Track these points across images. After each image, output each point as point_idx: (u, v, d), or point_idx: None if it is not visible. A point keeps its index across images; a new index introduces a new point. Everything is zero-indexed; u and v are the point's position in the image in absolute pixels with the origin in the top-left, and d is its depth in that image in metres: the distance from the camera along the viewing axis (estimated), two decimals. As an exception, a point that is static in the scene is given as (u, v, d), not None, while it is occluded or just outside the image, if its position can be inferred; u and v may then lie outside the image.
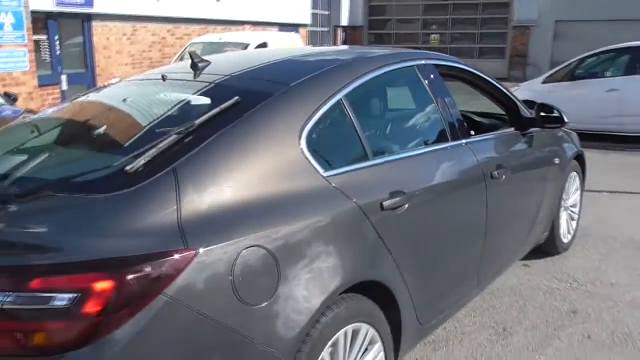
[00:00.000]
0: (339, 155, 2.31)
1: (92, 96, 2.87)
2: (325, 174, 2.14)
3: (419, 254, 2.51)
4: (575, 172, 4.40)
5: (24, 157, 2.22)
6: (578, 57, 10.20)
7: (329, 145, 2.28)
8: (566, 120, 3.68)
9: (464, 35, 24.11)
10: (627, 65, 9.74)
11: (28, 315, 1.50)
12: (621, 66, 9.87)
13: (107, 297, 1.50)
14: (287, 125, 2.11)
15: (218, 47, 12.27)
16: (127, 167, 1.78)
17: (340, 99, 2.34)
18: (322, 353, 1.97)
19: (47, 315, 1.49)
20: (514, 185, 3.34)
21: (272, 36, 13.24)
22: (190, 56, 2.57)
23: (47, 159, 2.18)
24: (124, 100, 2.56)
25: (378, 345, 2.28)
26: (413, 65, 2.88)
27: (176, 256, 1.60)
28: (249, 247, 1.76)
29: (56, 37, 12.18)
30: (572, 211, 4.49)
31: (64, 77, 11.89)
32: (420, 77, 2.89)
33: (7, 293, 1.50)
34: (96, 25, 12.77)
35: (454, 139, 2.92)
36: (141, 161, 1.80)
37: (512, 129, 3.59)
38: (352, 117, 2.37)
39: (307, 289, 1.89)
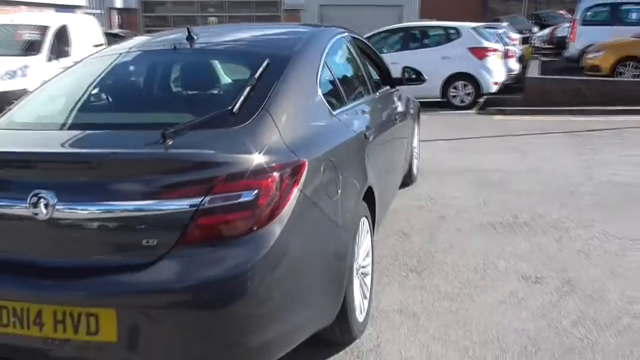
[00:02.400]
0: (333, 100, 3.18)
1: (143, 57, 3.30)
2: (334, 113, 3.02)
3: (379, 167, 3.54)
4: (417, 121, 5.81)
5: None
6: (365, 36, 11.97)
7: (327, 93, 3.14)
8: (425, 78, 4.96)
9: (240, 18, 25.21)
10: (402, 42, 11.83)
11: (224, 210, 2.14)
12: (397, 43, 11.92)
13: (274, 192, 2.22)
14: (310, 78, 2.93)
15: (12, 30, 11.60)
16: (233, 109, 2.45)
17: (325, 60, 3.20)
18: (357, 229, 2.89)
19: (240, 208, 2.15)
20: (400, 124, 4.55)
21: (71, 19, 12.81)
22: (188, 30, 3.13)
23: (166, 102, 2.71)
24: (171, 63, 3.09)
25: (368, 233, 3.25)
26: (345, 36, 3.85)
27: (299, 164, 2.36)
28: (324, 160, 2.58)
29: None
30: (415, 152, 5.88)
31: None
32: (351, 45, 3.88)
33: (204, 197, 2.12)
34: None
35: (374, 91, 3.98)
36: (237, 104, 2.47)
37: (388, 87, 4.75)
38: (332, 74, 3.26)
39: (350, 190, 2.79)
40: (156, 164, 2.19)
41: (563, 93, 10.50)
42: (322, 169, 2.54)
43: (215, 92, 2.89)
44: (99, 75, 3.12)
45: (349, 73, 3.88)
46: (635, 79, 12.00)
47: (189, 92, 2.94)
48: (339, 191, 2.67)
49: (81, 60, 3.32)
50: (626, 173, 6.16)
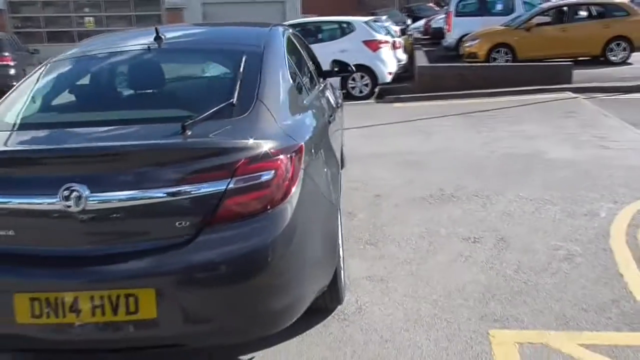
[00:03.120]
0: (301, 90, 3.47)
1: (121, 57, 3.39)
2: (305, 101, 3.31)
3: (336, 149, 3.88)
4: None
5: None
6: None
7: (296, 84, 3.42)
8: (354, 69, 5.35)
9: (119, 17, 24.39)
10: (314, 36, 12.29)
11: (248, 190, 2.38)
12: (311, 36, 12.32)
13: (286, 172, 2.49)
14: (282, 71, 3.20)
15: None
16: (232, 101, 2.68)
17: (286, 55, 3.48)
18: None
19: (261, 187, 2.40)
20: (339, 110, 4.92)
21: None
22: (156, 30, 3.29)
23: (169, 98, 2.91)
24: (158, 61, 3.21)
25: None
26: (291, 32, 4.14)
27: (299, 146, 2.64)
28: (312, 143, 2.87)
29: None
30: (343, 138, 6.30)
31: None
32: (296, 40, 4.18)
33: (229, 180, 2.35)
34: None
35: (319, 82, 4.32)
36: (234, 96, 2.71)
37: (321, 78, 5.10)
38: (294, 67, 3.55)
39: (333, 170, 3.11)
40: (184, 152, 2.38)
41: (451, 79, 11.41)
42: (312, 151, 2.84)
43: (206, 86, 3.09)
44: (89, 75, 3.20)
45: (302, 66, 4.17)
46: (509, 64, 13.25)
47: (181, 88, 3.10)
48: (326, 170, 2.98)
49: (60, 61, 3.34)
50: (520, 145, 6.98)
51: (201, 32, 3.87)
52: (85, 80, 3.19)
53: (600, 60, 13.80)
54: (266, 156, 2.45)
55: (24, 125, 2.79)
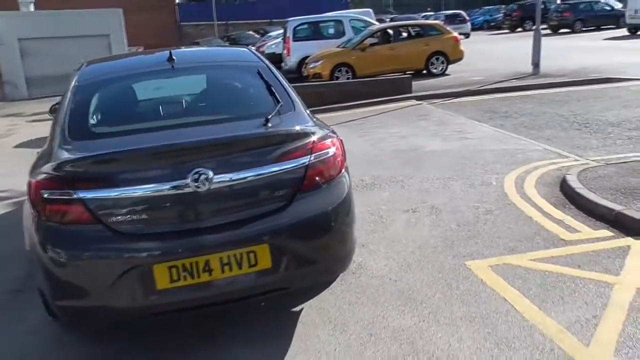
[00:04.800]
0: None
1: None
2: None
3: None
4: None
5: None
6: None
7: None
8: None
9: None
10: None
11: (322, 163, 3.11)
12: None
13: (340, 149, 3.27)
14: (282, 80, 3.88)
15: None
16: (280, 102, 3.39)
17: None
18: None
19: (329, 161, 3.14)
20: None
21: None
22: (170, 53, 3.84)
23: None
24: (195, 75, 3.76)
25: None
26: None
27: (337, 136, 3.42)
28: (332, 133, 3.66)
29: None
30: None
31: None
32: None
33: (310, 156, 3.07)
34: None
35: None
36: (278, 98, 3.42)
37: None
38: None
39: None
40: (278, 137, 3.07)
41: (309, 96, 12.53)
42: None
43: (248, 92, 3.71)
44: (145, 90, 3.69)
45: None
46: (360, 80, 14.76)
47: (230, 95, 3.73)
48: None
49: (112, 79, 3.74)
50: (400, 143, 8.29)
51: (201, 53, 4.45)
52: (146, 94, 3.65)
53: (423, 73, 16.04)
54: (327, 137, 3.23)
55: (130, 131, 3.22)
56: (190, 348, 3.31)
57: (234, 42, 34.25)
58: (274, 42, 23.13)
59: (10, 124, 14.21)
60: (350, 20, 18.14)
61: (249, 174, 2.94)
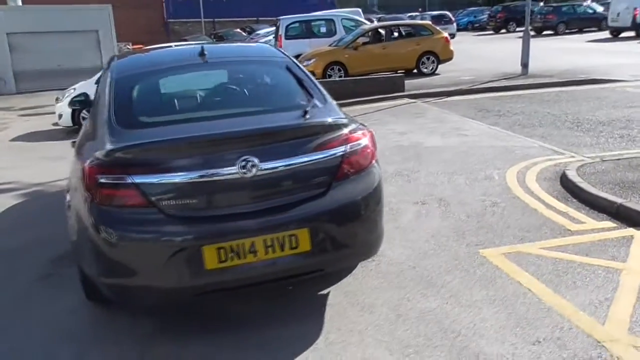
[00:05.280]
0: None
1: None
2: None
3: None
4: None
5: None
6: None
7: None
8: None
9: None
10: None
11: (356, 153, 3.29)
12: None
13: (372, 140, 3.46)
14: (308, 72, 4.08)
15: None
16: (314, 95, 3.57)
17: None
18: None
19: (362, 150, 3.33)
20: None
21: None
22: (202, 48, 4.00)
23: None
24: (226, 70, 3.93)
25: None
26: None
27: (367, 129, 3.60)
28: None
29: None
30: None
31: None
32: None
33: (345, 146, 3.26)
34: None
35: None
36: (311, 91, 3.61)
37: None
38: None
39: None
40: (319, 128, 3.26)
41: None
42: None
43: (281, 86, 3.88)
44: (185, 83, 3.84)
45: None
46: (356, 78, 14.90)
47: (263, 88, 3.91)
48: None
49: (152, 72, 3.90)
50: (400, 139, 8.51)
51: (230, 48, 4.65)
52: (184, 86, 3.82)
53: (413, 72, 16.30)
54: (359, 129, 3.42)
55: (175, 121, 3.40)
56: (226, 329, 3.47)
57: (221, 39, 34.31)
58: (263, 39, 23.24)
59: (2, 117, 14.19)
60: (341, 19, 18.35)
61: (291, 162, 3.11)
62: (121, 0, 28.98)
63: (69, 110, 11.76)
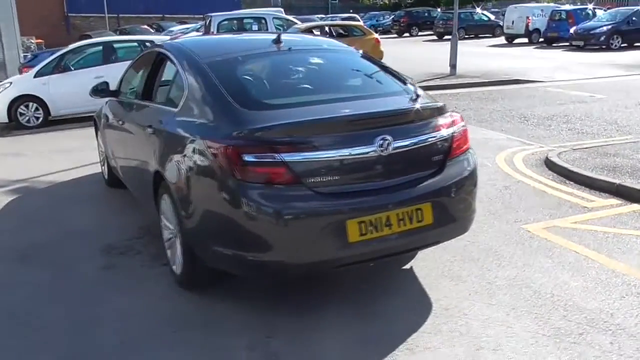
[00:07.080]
0: None
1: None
2: None
3: None
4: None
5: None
6: (57, 55, 11.80)
7: None
8: None
9: None
10: (103, 57, 12.19)
11: (460, 134, 3.59)
12: (99, 57, 12.21)
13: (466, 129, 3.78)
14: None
15: None
16: (406, 81, 3.84)
17: None
18: None
19: (464, 133, 3.64)
20: None
21: None
22: (278, 36, 4.14)
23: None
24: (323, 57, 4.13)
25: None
26: None
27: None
28: None
29: None
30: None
31: None
32: None
33: (454, 127, 3.56)
34: None
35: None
36: (401, 77, 3.88)
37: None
38: None
39: None
40: (433, 111, 3.53)
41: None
42: None
43: (372, 72, 4.06)
44: (288, 69, 3.94)
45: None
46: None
47: (359, 74, 4.07)
48: None
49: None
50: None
51: (300, 38, 4.88)
52: (280, 72, 3.94)
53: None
54: (457, 113, 3.73)
55: (299, 103, 3.50)
56: (333, 305, 3.64)
57: (127, 35, 33.07)
58: (185, 36, 22.79)
59: None
60: (272, 18, 18.48)
61: (417, 140, 3.37)
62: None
63: (4, 106, 11.10)
